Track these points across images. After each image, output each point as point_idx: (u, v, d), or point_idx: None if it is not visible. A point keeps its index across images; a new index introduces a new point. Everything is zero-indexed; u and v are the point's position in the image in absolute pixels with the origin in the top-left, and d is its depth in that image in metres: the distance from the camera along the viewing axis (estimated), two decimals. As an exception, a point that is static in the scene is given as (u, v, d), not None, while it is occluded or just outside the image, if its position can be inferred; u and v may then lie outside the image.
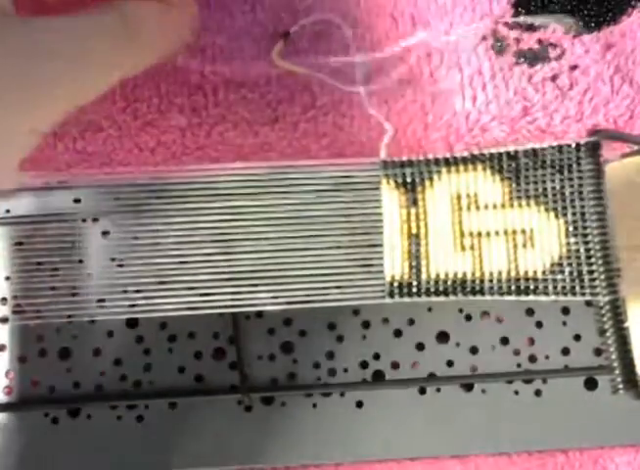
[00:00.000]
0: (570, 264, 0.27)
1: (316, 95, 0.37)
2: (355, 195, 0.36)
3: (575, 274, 0.27)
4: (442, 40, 0.38)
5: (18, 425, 0.37)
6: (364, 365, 0.38)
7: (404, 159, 0.29)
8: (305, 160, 0.37)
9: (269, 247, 0.37)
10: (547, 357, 0.38)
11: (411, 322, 0.38)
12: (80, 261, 0.38)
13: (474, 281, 0.28)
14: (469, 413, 0.38)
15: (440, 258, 0.28)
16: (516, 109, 0.37)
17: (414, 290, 0.28)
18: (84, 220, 0.38)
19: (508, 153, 0.28)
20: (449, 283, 0.28)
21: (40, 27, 0.26)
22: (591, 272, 0.27)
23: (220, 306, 0.36)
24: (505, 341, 0.38)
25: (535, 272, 0.27)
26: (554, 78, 0.38)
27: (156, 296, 0.36)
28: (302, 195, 0.37)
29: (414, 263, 0.28)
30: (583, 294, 0.27)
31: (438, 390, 0.38)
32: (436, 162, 0.28)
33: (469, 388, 0.38)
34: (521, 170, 0.28)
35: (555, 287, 0.27)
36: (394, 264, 0.28)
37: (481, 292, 0.27)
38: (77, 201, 0.37)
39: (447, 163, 0.28)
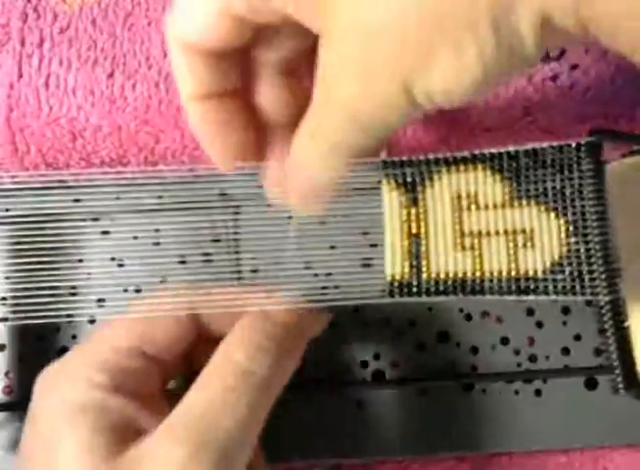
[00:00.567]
0: (570, 264, 0.27)
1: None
2: (355, 194, 0.36)
3: (576, 274, 0.27)
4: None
5: (18, 425, 0.37)
6: (364, 365, 0.38)
7: (404, 159, 0.28)
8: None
9: (269, 247, 0.37)
10: (547, 357, 0.38)
11: (411, 322, 0.38)
12: (80, 261, 0.38)
13: (474, 281, 0.27)
14: (469, 413, 0.38)
15: (441, 258, 0.28)
16: (516, 109, 0.37)
17: (414, 290, 0.28)
18: (84, 220, 0.38)
19: (508, 153, 0.28)
20: (449, 283, 0.28)
21: None
22: (591, 272, 0.27)
23: (220, 306, 0.36)
24: (505, 341, 0.38)
25: (535, 272, 0.27)
26: (554, 78, 0.38)
27: (155, 296, 0.36)
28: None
29: (414, 263, 0.28)
30: (583, 294, 0.27)
31: (439, 390, 0.38)
32: (436, 162, 0.28)
33: (469, 388, 0.38)
34: (521, 170, 0.28)
35: (555, 287, 0.27)
36: (394, 264, 0.28)
37: (482, 292, 0.27)
38: (77, 201, 0.37)
39: (447, 162, 0.28)
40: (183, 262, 0.38)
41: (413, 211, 0.28)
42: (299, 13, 0.25)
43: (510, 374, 0.38)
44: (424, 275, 0.28)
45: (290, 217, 0.35)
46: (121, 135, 0.37)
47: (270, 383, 0.30)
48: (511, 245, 0.27)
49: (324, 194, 0.28)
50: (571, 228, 0.27)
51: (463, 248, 0.28)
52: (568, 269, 0.27)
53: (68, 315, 0.35)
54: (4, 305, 0.36)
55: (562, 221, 0.27)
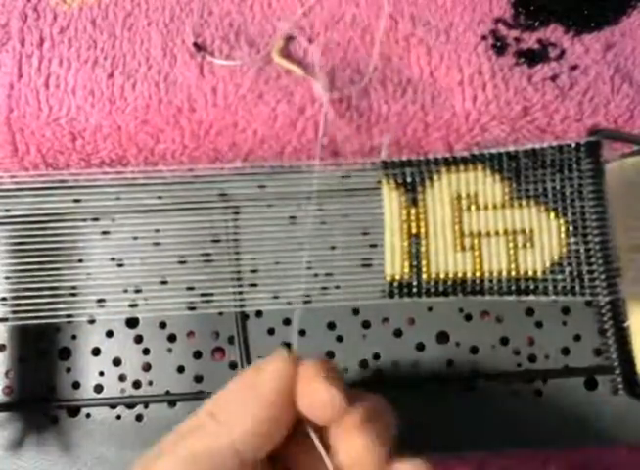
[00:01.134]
0: (570, 264, 0.27)
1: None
2: (356, 195, 0.36)
3: (576, 274, 0.27)
4: (442, 40, 0.38)
5: (18, 425, 0.37)
6: (364, 365, 0.38)
7: (404, 159, 0.28)
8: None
9: (269, 247, 0.37)
10: (547, 357, 0.38)
11: (411, 322, 0.38)
12: (80, 261, 0.38)
13: (474, 281, 0.27)
14: (469, 413, 0.38)
15: (440, 258, 0.28)
16: (516, 109, 0.37)
17: (414, 290, 0.28)
18: (84, 220, 0.38)
19: (508, 153, 0.28)
20: (449, 283, 0.28)
21: None
22: (591, 272, 0.27)
23: (220, 306, 0.36)
24: (505, 341, 0.38)
25: (535, 272, 0.27)
26: (554, 78, 0.38)
27: (156, 296, 0.36)
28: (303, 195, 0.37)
29: (414, 263, 0.28)
30: (583, 294, 0.27)
31: (439, 390, 0.38)
32: (436, 162, 0.28)
33: (469, 388, 0.38)
34: (521, 170, 0.28)
35: (555, 287, 0.27)
36: (394, 264, 0.28)
37: (481, 292, 0.27)
38: (77, 201, 0.37)
39: (447, 162, 0.28)
40: (183, 262, 0.38)
41: (413, 211, 0.28)
42: None
43: (510, 374, 0.38)
44: (424, 275, 0.28)
45: (292, 218, 0.35)
46: (121, 135, 0.37)
47: None
48: (511, 245, 0.27)
49: None
50: (570, 228, 0.27)
51: (463, 248, 0.28)
52: (567, 269, 0.27)
53: (68, 315, 0.36)
54: (4, 305, 0.36)
55: (561, 221, 0.27)
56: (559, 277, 0.27)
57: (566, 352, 0.38)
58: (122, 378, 0.38)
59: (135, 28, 0.39)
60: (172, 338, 0.38)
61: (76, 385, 0.38)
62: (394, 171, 0.28)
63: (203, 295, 0.37)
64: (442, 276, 0.28)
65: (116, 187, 0.37)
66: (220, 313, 0.38)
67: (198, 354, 0.38)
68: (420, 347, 0.38)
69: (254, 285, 0.38)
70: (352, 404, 0.28)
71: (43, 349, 0.38)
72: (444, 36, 0.39)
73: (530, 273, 0.27)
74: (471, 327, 0.38)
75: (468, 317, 0.38)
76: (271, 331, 0.38)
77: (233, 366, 0.38)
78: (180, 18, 0.39)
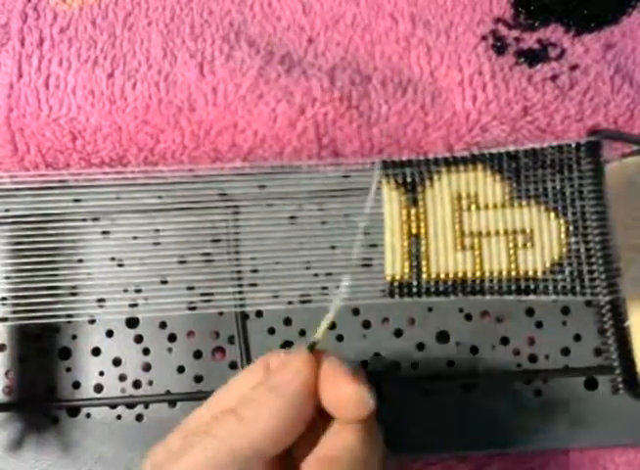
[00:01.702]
0: (570, 264, 0.27)
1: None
2: (356, 195, 0.36)
3: (576, 274, 0.27)
4: (442, 40, 0.38)
5: (18, 425, 0.37)
6: (364, 365, 0.38)
7: (404, 159, 0.28)
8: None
9: (269, 247, 0.37)
10: (547, 357, 0.38)
11: (411, 322, 0.38)
12: (80, 261, 0.38)
13: (474, 281, 0.27)
14: (469, 413, 0.38)
15: (441, 258, 0.28)
16: (516, 109, 0.37)
17: (414, 290, 0.28)
18: (84, 220, 0.38)
19: (508, 153, 0.28)
20: (449, 283, 0.28)
21: None
22: (591, 272, 0.27)
23: (220, 306, 0.36)
24: (505, 341, 0.38)
25: (535, 272, 0.27)
26: (554, 78, 0.38)
27: (156, 296, 0.36)
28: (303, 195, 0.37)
29: (414, 263, 0.28)
30: (583, 294, 0.27)
31: (439, 390, 0.38)
32: (436, 162, 0.28)
33: (469, 388, 0.38)
34: (521, 170, 0.28)
35: (555, 287, 0.27)
36: (394, 264, 0.28)
37: (482, 292, 0.27)
38: (77, 201, 0.37)
39: (447, 162, 0.28)
40: (183, 262, 0.38)
41: (413, 211, 0.28)
42: None
43: (510, 374, 0.38)
44: (424, 275, 0.28)
45: (292, 218, 0.35)
46: (121, 135, 0.37)
47: None
48: (511, 245, 0.27)
49: None
50: (570, 228, 0.27)
51: (463, 248, 0.28)
52: (568, 269, 0.27)
53: (68, 315, 0.36)
54: (4, 304, 0.36)
55: (562, 221, 0.27)
56: (559, 277, 0.27)
57: (566, 352, 0.38)
58: (122, 378, 0.38)
59: (135, 28, 0.39)
60: (172, 338, 0.38)
61: (76, 385, 0.38)
62: (394, 171, 0.28)
63: (203, 295, 0.37)
64: (442, 276, 0.28)
65: (116, 187, 0.37)
66: (220, 313, 0.38)
67: (198, 354, 0.38)
68: (420, 347, 0.38)
69: (254, 285, 0.38)
70: None
71: (43, 349, 0.38)
72: (444, 36, 0.39)
73: (530, 273, 0.27)
74: (471, 327, 0.38)
75: (468, 317, 0.38)
76: (271, 331, 0.38)
77: (233, 366, 0.38)
78: (180, 18, 0.39)
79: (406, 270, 0.28)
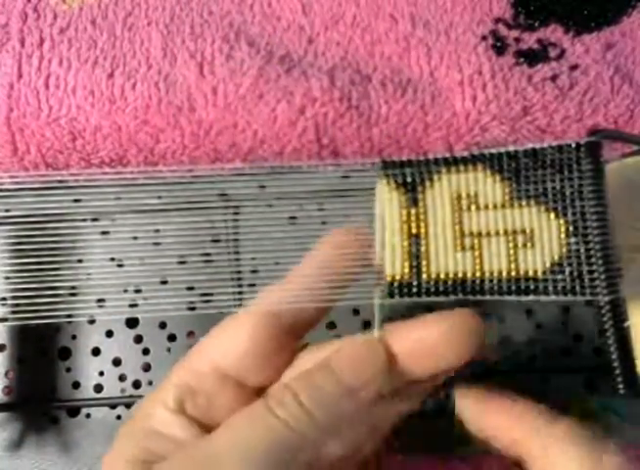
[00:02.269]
0: (570, 264, 0.27)
1: (316, 95, 0.37)
2: (355, 195, 0.36)
3: (576, 274, 0.27)
4: (442, 40, 0.38)
5: (18, 425, 0.37)
6: (364, 365, 0.38)
7: (404, 159, 0.28)
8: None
9: (269, 247, 0.37)
10: (547, 357, 0.38)
11: (411, 322, 0.38)
12: (80, 261, 0.38)
13: (474, 281, 0.27)
14: (469, 413, 0.38)
15: (441, 259, 0.28)
16: (516, 109, 0.37)
17: (414, 290, 0.28)
18: (84, 221, 0.38)
19: (508, 153, 0.28)
20: (449, 283, 0.28)
21: None
22: (591, 272, 0.27)
23: (220, 306, 0.36)
24: (505, 341, 0.38)
25: (535, 272, 0.27)
26: (554, 78, 0.38)
27: (156, 296, 0.36)
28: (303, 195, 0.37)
29: (414, 263, 0.28)
30: (584, 294, 0.27)
31: (438, 389, 0.38)
32: (436, 162, 0.28)
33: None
34: (521, 170, 0.27)
35: (555, 287, 0.27)
36: (394, 264, 0.28)
37: (482, 292, 0.27)
38: (77, 201, 0.37)
39: (447, 162, 0.28)
40: (183, 263, 0.38)
41: (413, 211, 0.28)
42: None
43: (509, 374, 0.38)
44: (424, 275, 0.28)
45: (292, 218, 0.35)
46: (121, 135, 0.37)
47: None
48: (511, 245, 0.27)
49: None
50: (570, 228, 0.27)
51: (463, 248, 0.28)
52: (568, 269, 0.27)
53: (68, 316, 0.36)
54: (4, 305, 0.36)
55: (561, 221, 0.27)
56: (559, 277, 0.27)
57: (566, 351, 0.38)
58: (122, 378, 0.38)
59: (135, 28, 0.39)
60: (172, 338, 0.38)
61: (76, 385, 0.38)
62: (394, 171, 0.28)
63: (203, 295, 0.37)
64: (442, 276, 0.28)
65: (116, 187, 0.37)
66: (221, 313, 0.38)
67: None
68: (420, 347, 0.38)
69: (254, 285, 0.38)
70: None
71: (43, 349, 0.38)
72: (444, 36, 0.39)
73: (531, 273, 0.27)
74: (471, 327, 0.38)
75: (468, 317, 0.38)
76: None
77: (233, 366, 0.38)
78: (180, 18, 0.39)
79: (406, 270, 0.28)
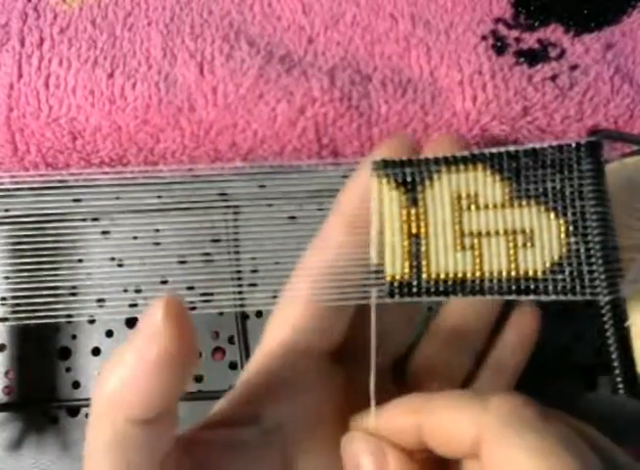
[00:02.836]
0: (570, 264, 0.27)
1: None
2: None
3: (576, 274, 0.27)
4: (442, 40, 0.38)
5: (18, 425, 0.37)
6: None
7: (404, 159, 0.28)
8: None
9: (269, 247, 0.37)
10: (547, 357, 0.38)
11: (411, 322, 0.38)
12: (80, 261, 0.38)
13: (473, 281, 0.27)
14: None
15: (441, 258, 0.28)
16: (516, 109, 0.37)
17: (414, 290, 0.28)
18: (84, 220, 0.38)
19: (508, 152, 0.28)
20: (449, 283, 0.28)
21: None
22: (591, 272, 0.27)
23: (220, 306, 0.36)
24: (505, 341, 0.38)
25: (535, 272, 0.27)
26: (554, 78, 0.38)
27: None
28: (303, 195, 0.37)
29: (414, 263, 0.28)
30: (584, 294, 0.27)
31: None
32: (436, 161, 0.28)
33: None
34: (521, 170, 0.27)
35: (555, 287, 0.27)
36: (394, 264, 0.28)
37: (481, 292, 0.27)
38: (77, 201, 0.37)
39: (447, 162, 0.28)
40: (183, 262, 0.38)
41: (413, 211, 0.28)
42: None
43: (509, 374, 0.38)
44: (424, 275, 0.28)
45: (292, 218, 0.35)
46: (121, 135, 0.37)
47: None
48: (511, 245, 0.27)
49: None
50: (570, 228, 0.27)
51: (463, 248, 0.28)
52: (568, 269, 0.27)
53: (68, 315, 0.36)
54: (4, 305, 0.36)
55: (562, 221, 0.27)
56: (559, 277, 0.27)
57: (566, 351, 0.38)
58: (122, 378, 0.38)
59: (135, 28, 0.39)
60: (172, 338, 0.38)
61: (76, 385, 0.38)
62: (394, 171, 0.28)
63: (203, 295, 0.37)
64: (442, 276, 0.28)
65: (116, 187, 0.37)
66: (220, 313, 0.38)
67: (198, 354, 0.38)
68: (420, 347, 0.38)
69: (254, 285, 0.38)
70: None
71: (43, 349, 0.38)
72: (444, 36, 0.39)
73: (530, 273, 0.27)
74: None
75: (468, 317, 0.38)
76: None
77: (233, 366, 0.38)
78: (180, 18, 0.39)
79: (406, 270, 0.28)
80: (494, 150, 0.28)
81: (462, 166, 0.28)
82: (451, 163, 0.28)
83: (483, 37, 0.39)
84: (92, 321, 0.38)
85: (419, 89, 0.38)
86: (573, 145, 0.27)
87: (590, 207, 0.27)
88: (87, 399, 0.37)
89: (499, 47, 0.38)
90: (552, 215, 0.27)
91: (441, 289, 0.28)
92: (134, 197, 0.37)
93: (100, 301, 0.37)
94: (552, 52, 0.38)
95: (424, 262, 0.28)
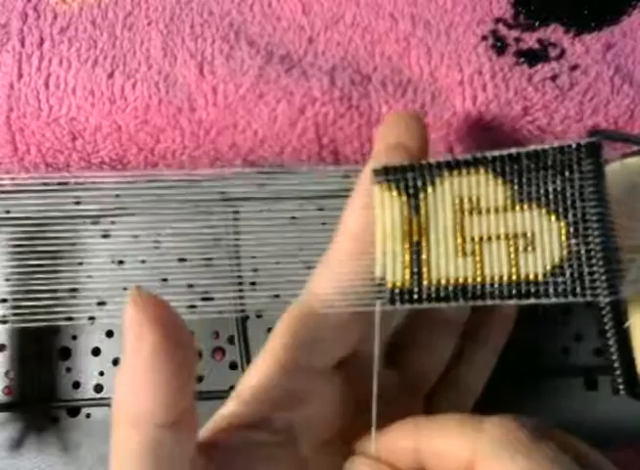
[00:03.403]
0: (570, 266, 0.27)
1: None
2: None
3: (576, 276, 0.27)
4: (442, 40, 0.38)
5: (18, 425, 0.37)
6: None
7: (405, 163, 0.28)
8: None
9: (269, 247, 0.37)
10: (547, 357, 0.38)
11: (411, 322, 0.38)
12: (80, 263, 0.38)
13: (474, 286, 0.27)
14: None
15: (441, 265, 0.28)
16: (516, 109, 0.37)
17: (415, 296, 0.28)
18: (84, 222, 0.38)
19: (510, 155, 0.28)
20: (450, 289, 0.27)
21: None
22: (592, 274, 0.27)
23: (220, 306, 0.36)
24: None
25: (536, 275, 0.27)
26: (554, 78, 0.38)
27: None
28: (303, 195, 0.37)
29: (415, 270, 0.28)
30: (584, 295, 0.27)
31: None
32: (438, 166, 0.28)
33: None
34: (522, 172, 0.27)
35: (556, 289, 0.27)
36: (395, 271, 0.28)
37: (482, 297, 0.27)
38: (77, 201, 0.37)
39: (449, 166, 0.28)
40: (183, 260, 0.38)
41: (414, 217, 0.28)
42: None
43: (510, 374, 0.38)
44: (424, 282, 0.28)
45: (292, 218, 0.35)
46: (121, 135, 0.37)
47: None
48: (512, 249, 0.27)
49: None
50: (571, 230, 0.27)
51: (464, 254, 0.28)
52: (568, 271, 0.27)
53: (69, 318, 0.36)
54: (5, 306, 0.36)
55: (562, 223, 0.27)
56: (560, 279, 0.27)
57: (566, 351, 0.38)
58: (123, 378, 0.38)
59: (135, 28, 0.39)
60: (172, 338, 0.38)
61: (76, 385, 0.38)
62: (395, 176, 0.28)
63: (203, 295, 0.37)
64: (443, 282, 0.28)
65: (116, 187, 0.37)
66: (219, 313, 0.38)
67: (198, 354, 0.38)
68: (420, 347, 0.38)
69: (254, 284, 0.38)
70: None
71: (43, 349, 0.38)
72: (444, 36, 0.38)
73: (531, 277, 0.27)
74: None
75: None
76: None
77: (233, 366, 0.38)
78: (180, 18, 0.39)
79: (407, 277, 0.28)
80: (496, 152, 0.28)
81: (464, 170, 0.28)
82: (453, 167, 0.28)
83: (484, 37, 0.38)
84: (92, 321, 0.38)
85: (419, 89, 0.38)
86: (574, 146, 0.27)
87: (590, 208, 0.27)
88: (87, 400, 0.38)
89: (499, 47, 0.38)
90: (553, 218, 0.27)
91: (442, 295, 0.28)
92: (134, 197, 0.37)
93: (100, 303, 0.37)
94: (552, 52, 0.38)
95: (424, 269, 0.28)
